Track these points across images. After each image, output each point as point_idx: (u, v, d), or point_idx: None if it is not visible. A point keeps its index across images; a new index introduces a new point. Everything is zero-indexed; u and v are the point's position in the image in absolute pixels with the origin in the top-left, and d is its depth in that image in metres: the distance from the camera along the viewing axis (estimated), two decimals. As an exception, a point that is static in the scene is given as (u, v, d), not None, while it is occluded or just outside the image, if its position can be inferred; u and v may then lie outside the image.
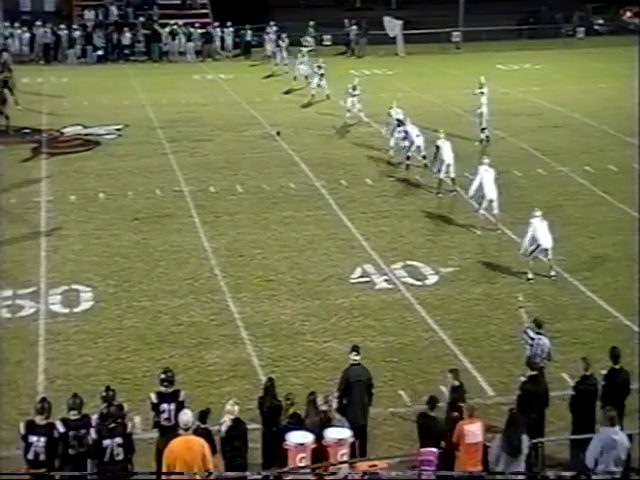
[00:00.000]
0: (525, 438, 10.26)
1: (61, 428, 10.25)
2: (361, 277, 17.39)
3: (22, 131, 28.08)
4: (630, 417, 11.59)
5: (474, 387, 13.09)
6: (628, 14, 49.95)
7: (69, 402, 10.44)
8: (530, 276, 17.17)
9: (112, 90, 34.34)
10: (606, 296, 16.50)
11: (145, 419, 11.68)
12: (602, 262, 18.15)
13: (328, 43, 44.77)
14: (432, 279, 17.33)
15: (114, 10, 44.16)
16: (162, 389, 11.01)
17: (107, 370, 13.98)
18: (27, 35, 41.31)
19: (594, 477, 10.19)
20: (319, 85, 32.13)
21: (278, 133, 27.39)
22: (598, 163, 24.40)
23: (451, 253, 18.52)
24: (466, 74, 37.85)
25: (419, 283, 17.16)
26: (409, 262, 18.02)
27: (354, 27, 43.68)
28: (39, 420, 10.25)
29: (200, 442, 10.00)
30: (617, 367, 11.65)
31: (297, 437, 10.48)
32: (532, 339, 12.38)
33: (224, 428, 10.58)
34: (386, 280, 17.25)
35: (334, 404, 11.45)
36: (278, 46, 39.65)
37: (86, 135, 27.93)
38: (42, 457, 10.15)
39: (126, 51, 42.31)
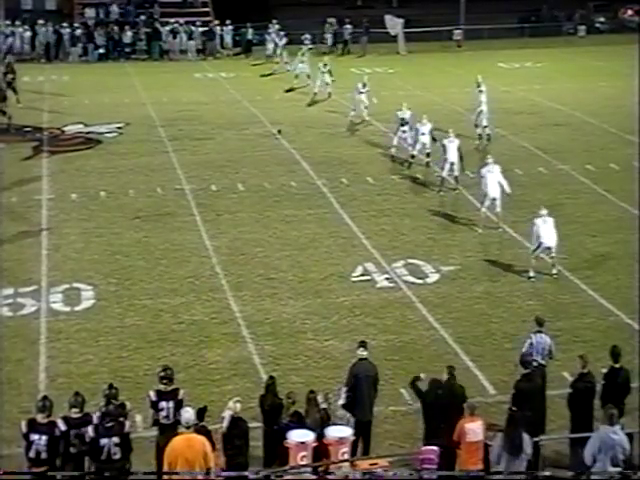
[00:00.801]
0: (527, 438, 10.26)
1: (62, 426, 10.25)
2: (362, 275, 17.39)
3: (23, 129, 28.09)
4: (631, 416, 11.60)
5: (475, 385, 13.09)
6: (629, 12, 49.93)
7: (70, 400, 10.45)
8: (531, 274, 17.16)
9: (113, 88, 34.34)
10: (607, 294, 16.49)
11: (146, 417, 11.67)
12: (603, 260, 18.15)
13: (328, 42, 44.70)
14: (433, 277, 17.33)
15: (115, 9, 44.15)
16: (161, 387, 11.01)
17: (108, 368, 13.98)
18: (28, 34, 41.33)
19: (592, 477, 10.20)
20: (326, 83, 32.08)
21: (279, 131, 27.38)
22: (599, 161, 24.39)
23: (452, 251, 18.51)
24: (467, 72, 37.82)
25: (420, 281, 17.16)
26: (410, 260, 18.01)
27: (348, 26, 43.64)
28: (40, 418, 10.25)
29: (201, 440, 10.00)
30: (617, 366, 11.64)
31: (298, 435, 10.48)
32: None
33: (225, 425, 10.59)
34: (387, 278, 17.25)
35: (342, 399, 11.49)
36: (278, 44, 39.64)
37: (87, 133, 27.94)
38: (43, 455, 10.15)
39: (127, 49, 42.32)
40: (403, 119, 24.23)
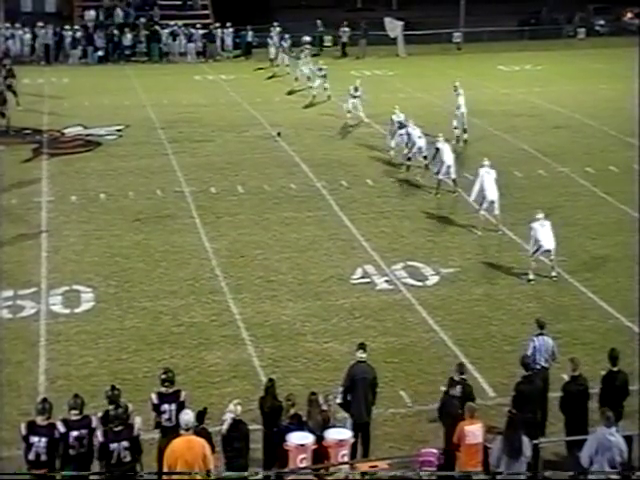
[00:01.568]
0: (526, 440, 10.26)
1: (62, 428, 10.25)
2: (362, 278, 17.39)
3: (23, 132, 28.10)
4: (630, 419, 11.60)
5: (475, 388, 13.07)
6: (629, 15, 49.98)
7: (70, 402, 10.44)
8: (531, 277, 17.17)
9: (113, 91, 34.35)
10: (607, 297, 16.50)
11: (146, 420, 11.65)
12: (603, 263, 18.15)
13: (328, 44, 44.78)
14: (433, 280, 17.33)
15: (119, 12, 44.12)
16: (163, 389, 11.01)
17: (108, 370, 13.98)
18: (28, 36, 41.33)
19: (591, 477, 10.20)
20: (324, 87, 32.13)
21: (279, 134, 27.40)
22: (599, 164, 24.40)
23: (452, 254, 18.52)
24: (467, 75, 37.89)
25: (420, 284, 17.16)
26: (410, 263, 18.02)
27: (346, 29, 43.69)
28: (40, 421, 10.25)
29: (201, 442, 10.01)
30: (615, 369, 11.64)
31: (298, 438, 10.48)
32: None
33: (225, 427, 10.59)
34: (387, 281, 17.25)
35: (338, 399, 11.51)
36: (279, 47, 39.68)
37: (87, 136, 27.95)
38: (43, 458, 10.15)
39: (127, 52, 42.33)
40: (400, 122, 24.25)
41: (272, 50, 40.11)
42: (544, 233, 17.05)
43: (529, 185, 22.82)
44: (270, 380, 11.50)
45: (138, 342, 14.95)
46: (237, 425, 10.60)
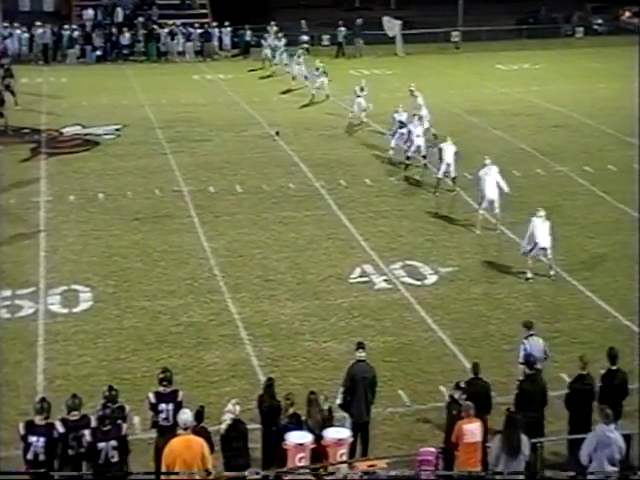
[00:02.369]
0: (525, 438, 10.26)
1: (61, 429, 10.23)
2: (360, 277, 17.39)
3: (21, 131, 28.07)
4: (629, 418, 11.60)
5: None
6: (627, 14, 50.00)
7: (68, 403, 10.43)
8: (529, 276, 17.18)
9: (111, 90, 34.33)
10: (605, 296, 16.50)
11: (144, 419, 11.68)
12: (601, 262, 18.16)
13: (326, 43, 44.76)
14: (431, 279, 17.33)
15: (119, 11, 44.05)
16: (160, 389, 11.00)
17: (106, 370, 13.97)
18: (26, 35, 41.30)
19: (589, 477, 10.20)
20: (321, 85, 32.13)
21: (277, 133, 27.39)
22: (597, 163, 24.41)
23: (450, 253, 18.52)
24: (465, 74, 37.94)
25: (418, 283, 17.16)
26: (408, 262, 18.02)
27: (342, 28, 43.68)
28: (38, 420, 10.23)
29: (199, 441, 10.01)
30: (614, 368, 11.65)
31: (296, 437, 10.48)
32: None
33: (224, 427, 10.59)
34: (385, 280, 17.25)
35: (338, 400, 11.50)
36: (276, 46, 39.64)
37: (85, 135, 27.93)
38: (41, 457, 10.13)
39: (125, 51, 42.29)
40: (401, 121, 24.27)
41: (267, 50, 39.93)
42: (542, 230, 17.06)
43: (527, 184, 22.82)
44: (269, 379, 11.50)
45: (136, 342, 14.94)
46: (236, 425, 10.60)
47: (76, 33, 41.79)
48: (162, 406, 10.88)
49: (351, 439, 10.89)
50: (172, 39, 42.50)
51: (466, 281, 17.25)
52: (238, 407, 10.70)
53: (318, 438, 10.55)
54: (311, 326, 15.48)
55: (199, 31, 42.85)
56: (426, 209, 21.19)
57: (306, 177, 23.52)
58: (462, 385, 11.31)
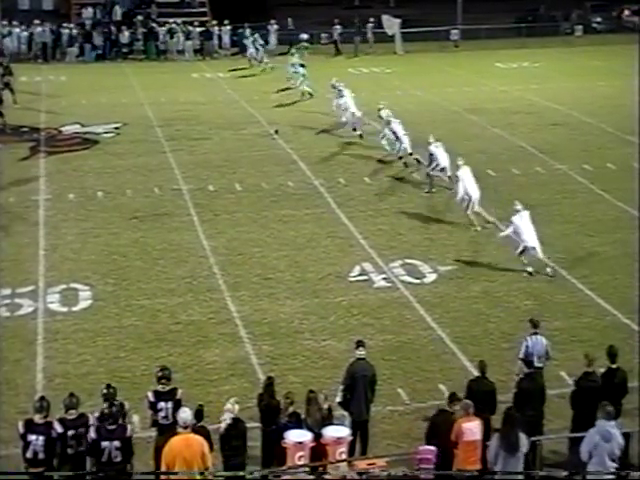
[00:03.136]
0: (523, 436, 10.27)
1: (59, 428, 10.23)
2: (360, 275, 17.39)
3: (20, 130, 28.06)
4: (629, 416, 11.61)
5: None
6: (626, 12, 50.00)
7: (66, 402, 10.42)
8: (530, 270, 17.16)
9: (110, 89, 34.32)
10: (604, 294, 16.51)
11: (143, 417, 11.68)
12: (600, 260, 18.16)
13: (325, 42, 44.73)
14: (431, 277, 17.34)
15: (118, 10, 44.03)
16: (159, 387, 11.00)
17: (106, 369, 13.97)
18: (25, 34, 41.28)
19: (589, 477, 10.21)
20: (301, 84, 32.04)
21: (276, 131, 27.38)
22: (596, 161, 24.41)
23: (449, 251, 18.52)
24: (465, 72, 37.93)
25: (418, 281, 17.17)
26: (408, 260, 18.02)
27: (338, 27, 43.64)
28: (38, 419, 10.24)
29: (199, 440, 10.01)
30: (614, 366, 11.65)
31: (296, 435, 10.49)
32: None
33: (224, 426, 10.59)
34: (385, 278, 17.25)
35: (338, 398, 11.51)
36: (258, 46, 39.36)
37: (84, 134, 27.92)
38: (41, 456, 10.15)
39: (124, 50, 42.28)
40: (389, 120, 24.22)
41: (251, 50, 39.57)
42: (525, 227, 17.06)
43: (526, 182, 22.82)
44: (269, 378, 11.50)
45: (136, 340, 14.94)
46: (236, 424, 10.60)
47: (75, 32, 41.77)
48: (161, 404, 10.89)
49: (350, 437, 10.90)
50: (171, 38, 42.51)
51: (465, 279, 17.25)
52: (237, 406, 10.71)
53: (317, 436, 10.56)
54: (310, 324, 15.49)
55: (198, 30, 42.83)
56: (425, 207, 21.19)
57: (305, 175, 23.52)
58: (459, 396, 11.24)
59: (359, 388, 11.62)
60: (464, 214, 19.72)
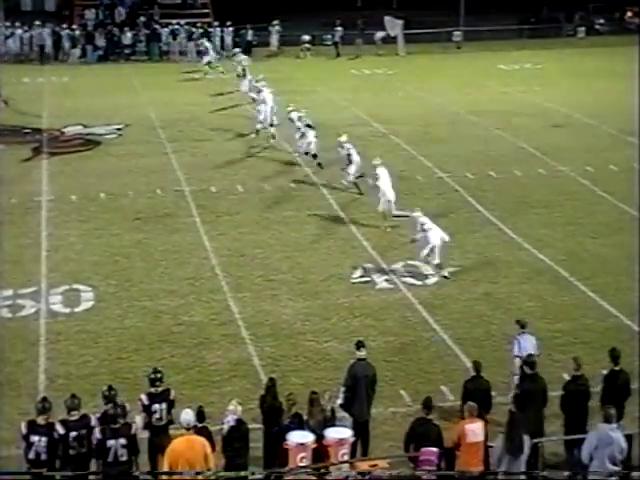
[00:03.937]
0: (526, 438, 10.26)
1: (61, 430, 10.24)
2: (362, 277, 17.39)
3: (22, 130, 28.08)
4: (630, 417, 11.60)
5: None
6: (629, 14, 50.00)
7: (67, 403, 10.42)
8: (445, 274, 17.24)
9: (113, 90, 34.33)
10: (607, 296, 16.49)
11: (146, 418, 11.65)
12: (603, 262, 18.15)
13: (328, 43, 44.72)
14: (433, 279, 17.33)
15: (121, 11, 44.02)
16: (152, 390, 10.98)
17: (108, 370, 13.98)
18: (27, 35, 41.30)
19: (590, 477, 10.20)
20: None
21: (273, 137, 27.35)
22: (599, 163, 24.40)
23: (452, 253, 18.49)
24: (467, 74, 37.90)
25: (420, 283, 17.17)
26: (410, 262, 18.01)
27: (339, 28, 43.63)
28: (40, 420, 10.25)
29: (202, 441, 10.05)
30: (617, 368, 11.64)
31: (298, 437, 10.48)
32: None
33: (226, 427, 10.59)
34: (387, 280, 17.26)
35: (339, 399, 11.51)
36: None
37: (87, 135, 27.94)
38: (43, 457, 10.15)
39: (127, 51, 42.31)
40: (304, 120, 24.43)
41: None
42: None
43: (529, 184, 22.82)
44: (271, 379, 11.50)
45: (138, 341, 14.94)
46: (239, 425, 10.60)
47: (77, 33, 41.79)
48: (155, 406, 10.86)
49: (352, 439, 10.90)
50: (174, 39, 42.53)
51: (468, 281, 17.25)
52: (240, 407, 10.71)
53: (319, 438, 10.56)
54: (312, 326, 15.49)
55: (201, 31, 42.84)
56: (427, 209, 21.14)
57: (307, 176, 23.52)
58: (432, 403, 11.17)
59: (360, 389, 11.62)
60: (475, 213, 19.74)
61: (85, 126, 28.77)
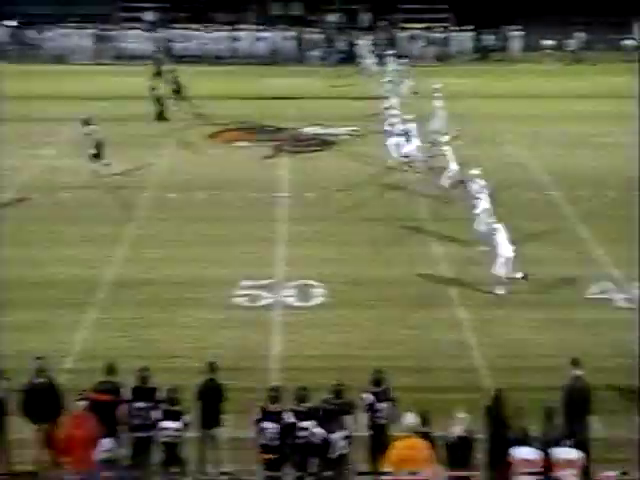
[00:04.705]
0: None
1: (291, 418, 10.60)
2: (600, 293, 16.91)
3: (265, 129, 29.24)
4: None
5: None
6: None
7: (297, 394, 10.78)
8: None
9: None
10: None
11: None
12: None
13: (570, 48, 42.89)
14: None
15: (363, 16, 44.62)
16: (374, 389, 11.18)
17: (335, 365, 14.03)
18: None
19: None
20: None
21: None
22: None
23: None
24: None
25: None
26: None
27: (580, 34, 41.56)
28: (272, 407, 10.66)
29: (425, 445, 10.09)
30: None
31: (523, 452, 10.22)
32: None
33: (453, 436, 10.54)
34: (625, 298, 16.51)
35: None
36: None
37: (322, 135, 28.57)
38: (275, 443, 10.56)
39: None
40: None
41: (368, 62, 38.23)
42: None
43: None
44: (498, 390, 11.31)
45: (366, 342, 15.17)
46: (465, 435, 10.51)
47: (315, 36, 42.75)
48: (378, 405, 11.05)
49: (583, 461, 10.45)
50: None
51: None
52: (469, 417, 10.59)
53: (546, 455, 10.24)
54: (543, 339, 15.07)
55: (440, 35, 42.62)
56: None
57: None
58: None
59: (579, 407, 11.36)
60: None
61: (322, 126, 29.33)
